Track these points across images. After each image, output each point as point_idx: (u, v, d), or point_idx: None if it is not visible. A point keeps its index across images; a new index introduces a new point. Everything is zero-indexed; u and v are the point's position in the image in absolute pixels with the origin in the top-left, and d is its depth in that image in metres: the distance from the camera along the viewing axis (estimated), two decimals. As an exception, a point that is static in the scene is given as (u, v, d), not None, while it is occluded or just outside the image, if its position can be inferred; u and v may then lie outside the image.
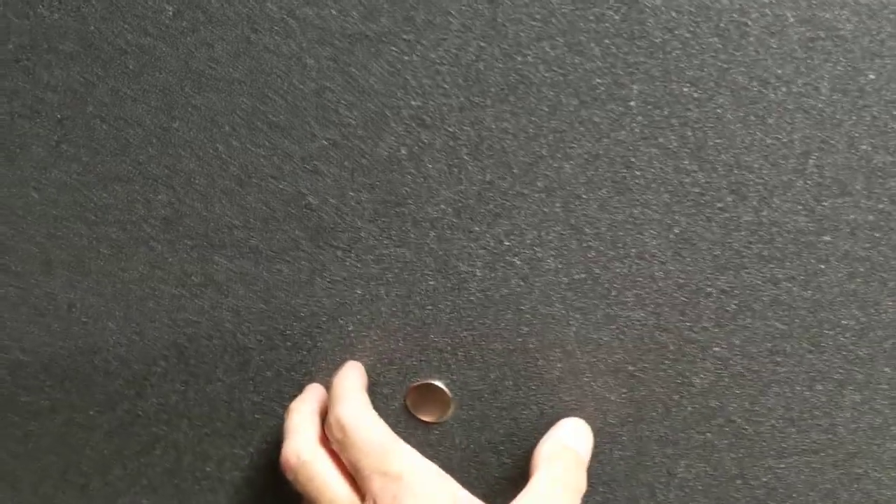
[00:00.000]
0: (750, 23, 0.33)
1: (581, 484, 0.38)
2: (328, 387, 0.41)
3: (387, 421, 0.42)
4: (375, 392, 0.43)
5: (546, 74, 0.35)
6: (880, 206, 0.36)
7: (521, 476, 0.43)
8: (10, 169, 0.41)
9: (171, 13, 0.37)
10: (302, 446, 0.38)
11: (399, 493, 0.34)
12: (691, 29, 0.34)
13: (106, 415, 0.45)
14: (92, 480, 0.47)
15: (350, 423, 0.37)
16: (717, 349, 0.39)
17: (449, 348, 0.41)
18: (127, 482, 0.47)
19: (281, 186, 0.39)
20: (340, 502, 0.36)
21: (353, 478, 0.37)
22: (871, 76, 0.33)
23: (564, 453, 0.38)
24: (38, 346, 0.44)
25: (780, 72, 0.34)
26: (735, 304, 0.38)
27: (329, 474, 0.37)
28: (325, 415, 0.40)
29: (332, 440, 0.38)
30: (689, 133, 0.35)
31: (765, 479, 0.41)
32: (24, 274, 0.43)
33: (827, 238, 0.36)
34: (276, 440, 0.45)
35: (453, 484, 0.36)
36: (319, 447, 0.38)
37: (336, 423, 0.37)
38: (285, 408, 0.43)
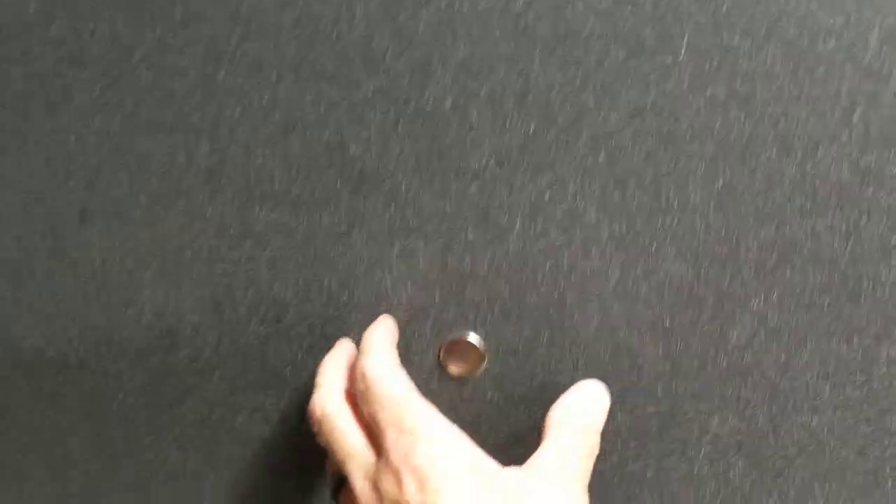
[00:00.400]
0: (803, -27, 0.34)
1: (594, 448, 0.38)
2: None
3: (419, 375, 0.42)
4: (409, 346, 0.43)
5: (595, 25, 0.36)
6: (925, 159, 0.36)
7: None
8: (52, 117, 0.41)
9: (221, -41, 0.37)
10: (327, 399, 0.38)
11: (410, 448, 0.34)
12: (744, -22, 0.34)
13: (136, 368, 0.45)
14: (119, 435, 0.47)
15: (372, 376, 0.37)
16: (755, 303, 0.39)
17: (485, 302, 0.42)
18: (156, 436, 0.47)
19: (324, 136, 0.40)
20: (356, 454, 0.36)
21: (372, 432, 0.37)
22: (921, 29, 0.34)
23: (579, 416, 0.39)
24: (70, 299, 0.44)
25: (830, 23, 0.34)
26: (775, 258, 0.38)
27: (349, 427, 0.37)
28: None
29: (356, 391, 0.38)
30: (738, 84, 0.36)
31: (797, 436, 0.42)
32: (59, 224, 0.43)
33: (870, 191, 0.37)
34: (308, 393, 0.45)
35: (468, 442, 0.36)
36: (344, 401, 0.39)
37: (360, 375, 0.37)
38: (317, 361, 0.43)
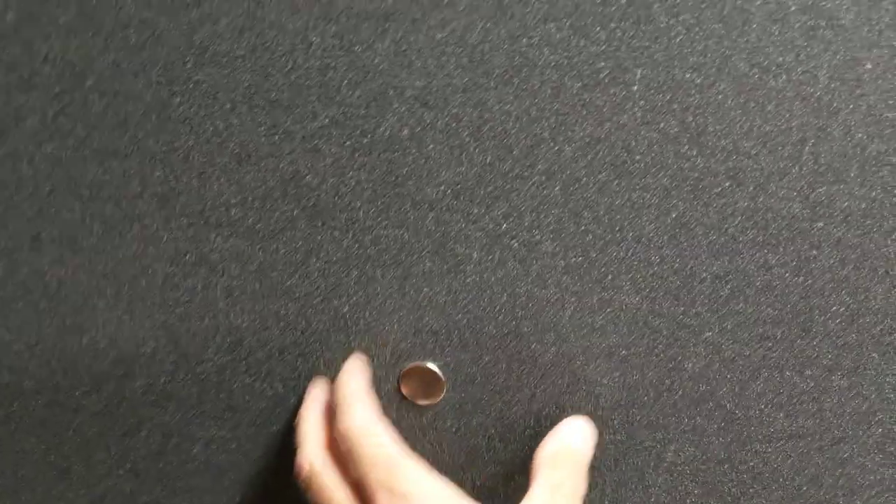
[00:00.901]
0: (753, 10, 0.34)
1: (581, 488, 0.38)
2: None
3: (380, 402, 0.42)
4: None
5: (550, 57, 0.36)
6: (873, 194, 0.37)
7: (511, 460, 0.44)
8: (3, 142, 0.41)
9: (175, -13, 0.37)
10: (314, 456, 0.38)
11: None
12: (695, 15, 0.34)
13: (91, 396, 0.45)
14: (74, 464, 0.46)
15: (355, 435, 0.36)
16: (709, 334, 0.40)
17: (444, 331, 0.42)
18: (110, 465, 0.46)
19: (280, 165, 0.39)
20: None
21: (360, 491, 0.36)
22: (869, 66, 0.34)
23: (566, 455, 0.38)
24: (23, 325, 0.43)
25: (780, 59, 0.35)
26: (728, 290, 0.39)
27: (337, 488, 0.37)
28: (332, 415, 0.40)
29: (340, 450, 0.37)
30: (690, 118, 0.36)
31: (752, 464, 0.42)
32: (11, 250, 0.42)
33: (820, 224, 0.37)
34: (264, 422, 0.45)
35: (460, 498, 0.36)
36: (327, 457, 0.38)
37: (343, 434, 0.37)
38: (275, 390, 0.43)
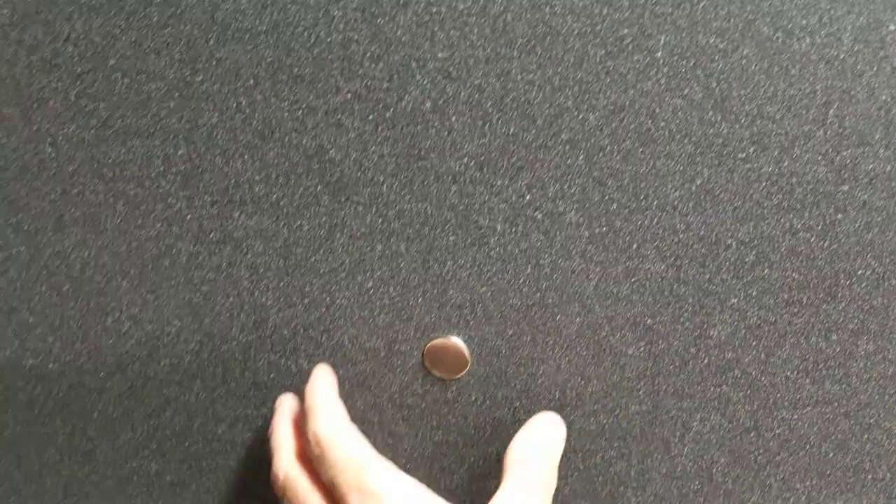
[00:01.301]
0: (777, -27, 0.34)
1: (551, 483, 0.38)
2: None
3: (403, 378, 0.42)
4: (393, 349, 0.43)
5: (573, 25, 0.36)
6: (898, 155, 0.37)
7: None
8: (26, 124, 0.41)
9: (197, -37, 0.37)
10: (288, 465, 0.39)
11: None
12: (719, -21, 0.35)
13: (115, 377, 0.45)
14: (99, 445, 0.46)
15: (326, 439, 0.37)
16: (734, 301, 0.40)
17: (468, 304, 0.42)
18: (135, 446, 0.46)
19: (303, 140, 0.40)
20: None
21: (332, 496, 0.37)
22: (892, 27, 0.35)
23: (534, 454, 0.39)
24: (47, 307, 0.44)
25: (804, 22, 0.35)
26: (753, 256, 0.39)
27: (309, 493, 0.37)
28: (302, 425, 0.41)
29: (311, 455, 0.38)
30: (714, 84, 0.36)
31: (778, 431, 0.42)
32: (35, 232, 0.42)
33: (845, 188, 0.37)
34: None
35: (431, 498, 0.36)
36: (298, 464, 0.39)
37: (313, 439, 0.37)
38: (300, 367, 0.43)
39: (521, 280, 0.41)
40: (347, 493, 0.35)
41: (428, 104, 0.38)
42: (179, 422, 0.46)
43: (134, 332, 0.44)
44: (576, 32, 0.36)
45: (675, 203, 0.38)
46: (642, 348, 0.41)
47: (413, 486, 0.36)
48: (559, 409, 0.42)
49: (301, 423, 0.40)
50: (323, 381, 0.41)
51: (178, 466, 0.47)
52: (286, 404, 0.42)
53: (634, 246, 0.39)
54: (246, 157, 0.40)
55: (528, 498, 0.36)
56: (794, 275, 0.39)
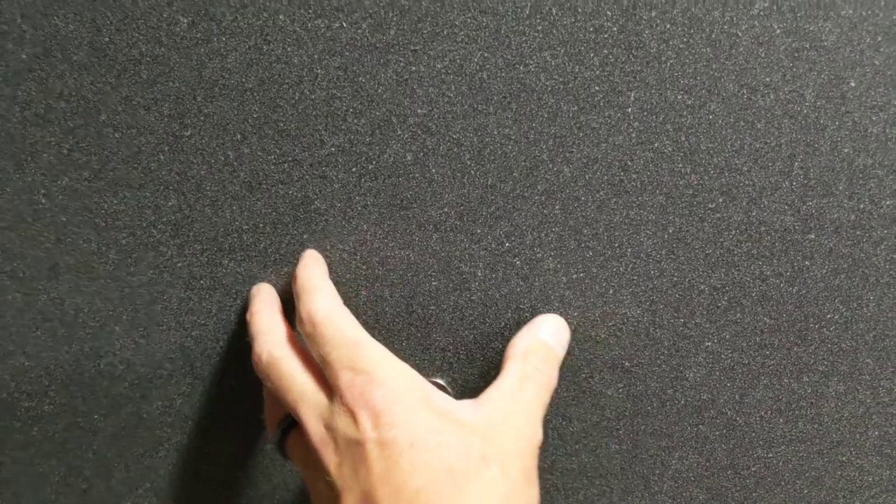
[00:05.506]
0: (740, 34, 0.35)
1: (552, 380, 0.38)
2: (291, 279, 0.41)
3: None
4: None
5: (547, 82, 0.37)
6: (861, 205, 0.38)
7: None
8: (20, 175, 0.42)
9: (185, 24, 0.38)
10: (271, 345, 0.38)
11: (366, 388, 0.34)
12: (685, 40, 0.36)
13: (110, 418, 0.45)
14: (94, 485, 0.47)
15: (321, 317, 0.36)
16: (708, 344, 0.41)
17: (451, 347, 0.43)
18: (129, 485, 0.47)
19: (290, 191, 0.41)
20: (308, 396, 0.36)
21: (323, 374, 0.36)
22: (853, 83, 0.36)
23: (537, 348, 0.38)
24: (43, 351, 0.44)
25: (768, 80, 0.36)
26: (726, 301, 0.40)
27: (298, 371, 0.36)
28: (286, 315, 0.40)
29: (303, 334, 0.37)
30: (683, 138, 0.37)
31: (754, 469, 0.43)
32: (30, 279, 0.43)
33: (812, 236, 0.39)
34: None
35: (421, 380, 0.36)
36: (288, 345, 0.38)
37: (307, 318, 0.37)
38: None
39: (503, 324, 0.42)
40: (339, 370, 0.34)
41: (409, 157, 0.39)
42: (172, 461, 0.46)
43: (127, 374, 0.45)
44: (549, 89, 0.37)
45: (649, 251, 0.40)
46: (621, 389, 0.42)
47: (404, 367, 0.35)
48: (541, 449, 0.43)
49: (282, 311, 0.40)
50: (315, 264, 0.40)
51: (172, 505, 0.47)
52: (265, 292, 0.42)
53: (611, 291, 0.40)
54: (234, 207, 0.41)
55: (523, 386, 0.36)
56: (765, 319, 0.40)
